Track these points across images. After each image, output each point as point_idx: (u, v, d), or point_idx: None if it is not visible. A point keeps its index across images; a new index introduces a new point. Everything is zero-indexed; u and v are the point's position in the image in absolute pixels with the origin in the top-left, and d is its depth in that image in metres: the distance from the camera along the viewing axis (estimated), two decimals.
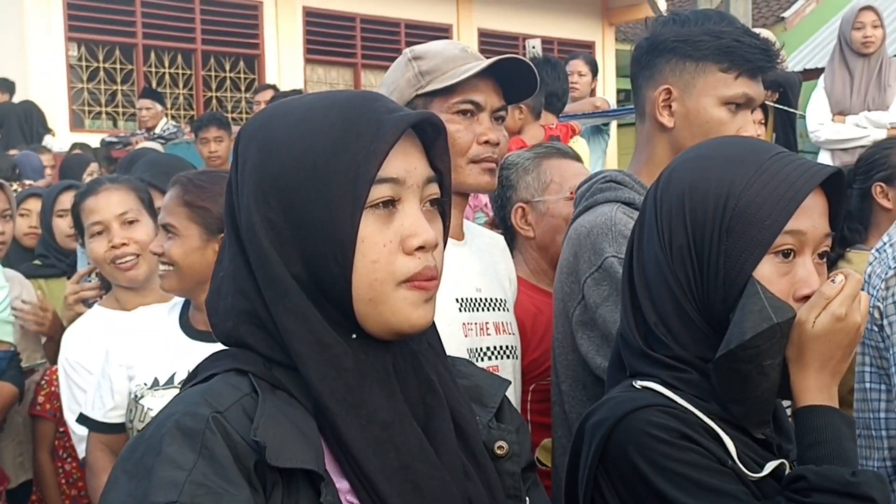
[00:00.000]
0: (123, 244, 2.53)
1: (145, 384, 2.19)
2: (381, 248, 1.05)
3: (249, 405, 1.02)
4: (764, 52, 1.88)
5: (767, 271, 1.34)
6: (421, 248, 1.06)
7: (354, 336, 1.06)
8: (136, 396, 2.20)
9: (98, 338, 2.42)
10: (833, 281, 1.33)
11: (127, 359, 2.24)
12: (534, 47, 5.61)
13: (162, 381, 2.18)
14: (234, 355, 1.08)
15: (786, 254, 1.35)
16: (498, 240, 2.23)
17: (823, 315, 1.31)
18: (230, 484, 0.96)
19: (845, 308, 1.31)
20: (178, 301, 2.31)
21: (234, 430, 0.99)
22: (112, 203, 2.56)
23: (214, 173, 2.29)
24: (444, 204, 1.15)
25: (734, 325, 1.32)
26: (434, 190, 1.11)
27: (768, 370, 1.33)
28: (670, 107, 1.90)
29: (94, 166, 6.69)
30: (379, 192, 1.05)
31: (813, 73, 10.11)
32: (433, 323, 1.15)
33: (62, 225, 3.82)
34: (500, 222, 2.70)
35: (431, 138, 1.12)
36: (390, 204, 1.06)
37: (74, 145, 8.30)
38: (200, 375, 1.09)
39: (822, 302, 1.32)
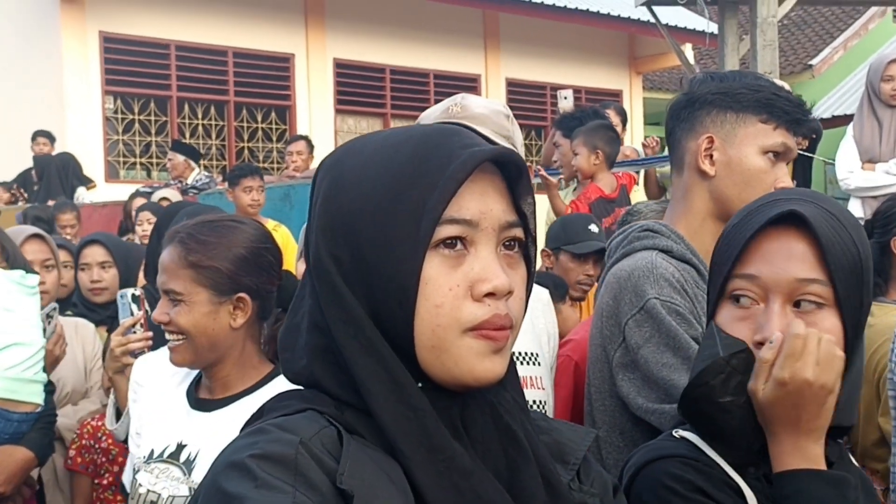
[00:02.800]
0: None
1: (143, 457, 2.01)
2: (447, 291, 0.96)
3: (328, 439, 0.94)
4: (799, 106, 1.94)
5: (724, 317, 1.34)
6: (491, 294, 0.97)
7: (420, 385, 0.97)
8: (135, 469, 2.04)
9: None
10: (770, 342, 1.27)
11: (136, 426, 2.13)
12: (565, 98, 5.60)
13: (156, 454, 1.99)
14: (304, 396, 1.01)
15: (737, 299, 1.33)
16: (540, 294, 2.21)
17: (769, 383, 1.26)
18: None
19: (788, 370, 1.24)
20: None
21: (322, 460, 0.92)
22: None
23: (216, 223, 2.01)
24: (529, 248, 1.05)
25: (692, 367, 1.35)
26: (514, 233, 1.02)
27: (730, 407, 1.29)
28: (712, 156, 1.93)
29: (144, 215, 6.78)
30: (446, 232, 0.96)
31: (841, 120, 10.12)
32: (516, 375, 1.08)
33: (84, 279, 3.87)
34: None
35: (514, 177, 1.03)
36: (460, 245, 0.98)
37: (137, 193, 8.26)
38: (267, 416, 1.00)
39: (764, 367, 1.27)
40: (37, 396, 2.93)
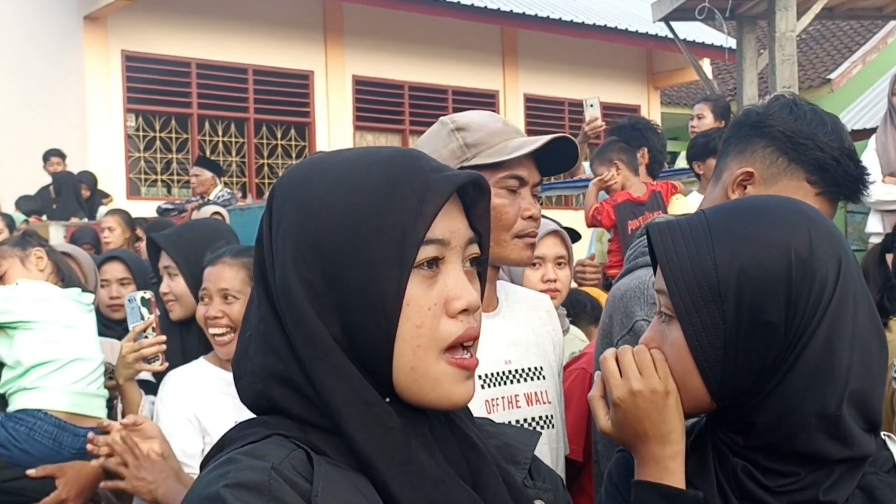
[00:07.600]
0: (216, 317, 2.51)
1: None
2: (426, 311, 1.00)
3: (298, 461, 0.96)
4: (856, 181, 1.83)
5: None
6: (465, 310, 1.02)
7: (388, 400, 1.01)
8: None
9: (193, 388, 2.46)
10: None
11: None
12: (591, 105, 5.49)
13: None
14: (266, 423, 1.01)
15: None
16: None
17: (611, 409, 1.37)
18: None
19: (615, 391, 1.35)
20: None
21: (295, 483, 0.93)
22: (222, 277, 2.55)
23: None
24: (482, 265, 1.11)
25: None
26: (474, 250, 1.07)
27: None
28: (745, 188, 1.85)
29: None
30: (425, 253, 1.00)
31: (861, 134, 10.08)
32: None
33: (103, 295, 3.88)
34: None
35: (472, 199, 1.08)
36: (435, 265, 1.01)
37: (160, 209, 8.43)
38: (230, 448, 1.00)
39: (596, 402, 1.41)
40: (100, 411, 2.97)
